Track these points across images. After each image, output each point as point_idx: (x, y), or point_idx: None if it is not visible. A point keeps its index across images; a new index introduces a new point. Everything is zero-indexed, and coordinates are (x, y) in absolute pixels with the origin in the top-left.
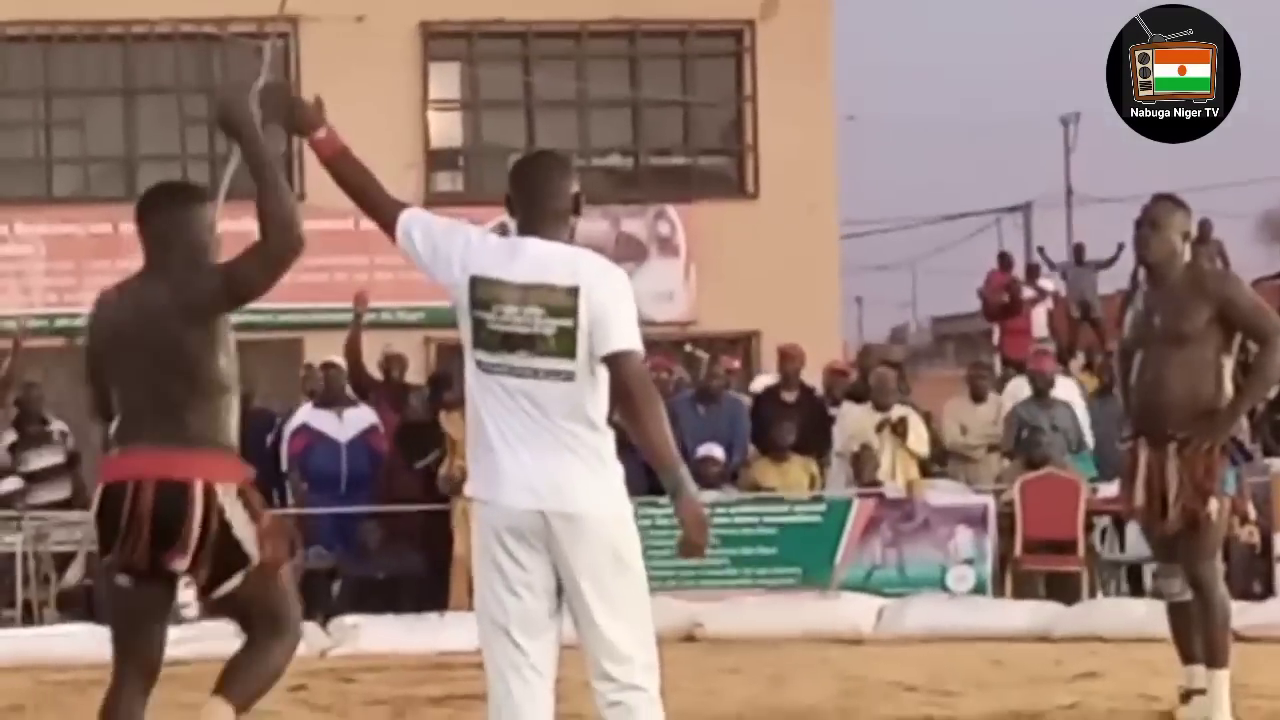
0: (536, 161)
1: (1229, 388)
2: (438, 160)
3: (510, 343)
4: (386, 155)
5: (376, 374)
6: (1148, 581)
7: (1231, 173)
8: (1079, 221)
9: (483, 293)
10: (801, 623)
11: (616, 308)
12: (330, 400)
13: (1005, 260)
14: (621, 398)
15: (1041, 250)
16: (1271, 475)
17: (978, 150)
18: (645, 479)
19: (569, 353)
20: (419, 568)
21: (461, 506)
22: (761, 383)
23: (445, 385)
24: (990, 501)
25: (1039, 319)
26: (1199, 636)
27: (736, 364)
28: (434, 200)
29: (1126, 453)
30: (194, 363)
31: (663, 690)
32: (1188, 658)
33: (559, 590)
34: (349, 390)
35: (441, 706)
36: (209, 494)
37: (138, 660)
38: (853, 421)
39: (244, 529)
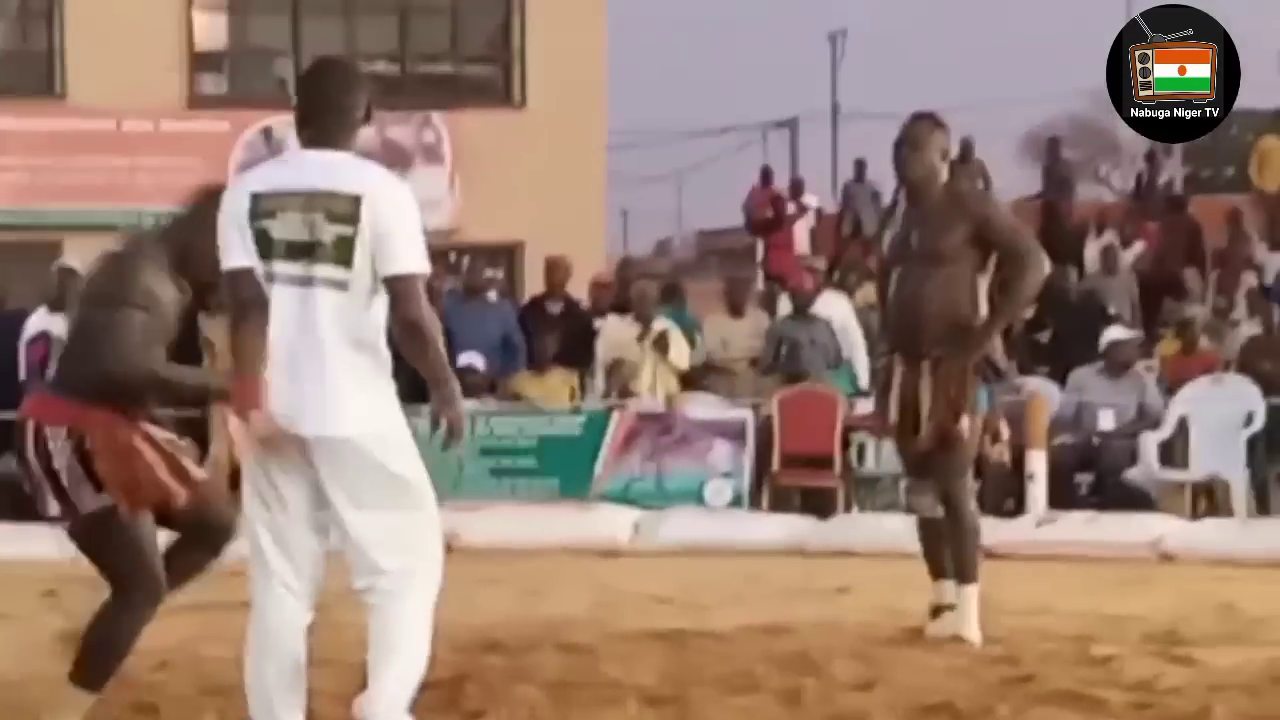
0: (329, 70)
1: (984, 307)
2: (201, 62)
3: (292, 250)
4: (150, 56)
5: None
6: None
7: (996, 92)
8: (844, 138)
9: (265, 204)
10: (558, 534)
11: (400, 224)
12: (64, 304)
13: (767, 175)
14: (400, 322)
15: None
16: (1026, 394)
17: (745, 64)
18: (407, 387)
19: (346, 261)
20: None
21: (219, 414)
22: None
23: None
24: (749, 416)
25: (802, 235)
26: (949, 552)
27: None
28: (197, 102)
29: (881, 369)
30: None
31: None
32: (937, 573)
33: (320, 506)
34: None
35: (199, 612)
36: (37, 434)
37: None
38: (614, 334)
39: (70, 473)
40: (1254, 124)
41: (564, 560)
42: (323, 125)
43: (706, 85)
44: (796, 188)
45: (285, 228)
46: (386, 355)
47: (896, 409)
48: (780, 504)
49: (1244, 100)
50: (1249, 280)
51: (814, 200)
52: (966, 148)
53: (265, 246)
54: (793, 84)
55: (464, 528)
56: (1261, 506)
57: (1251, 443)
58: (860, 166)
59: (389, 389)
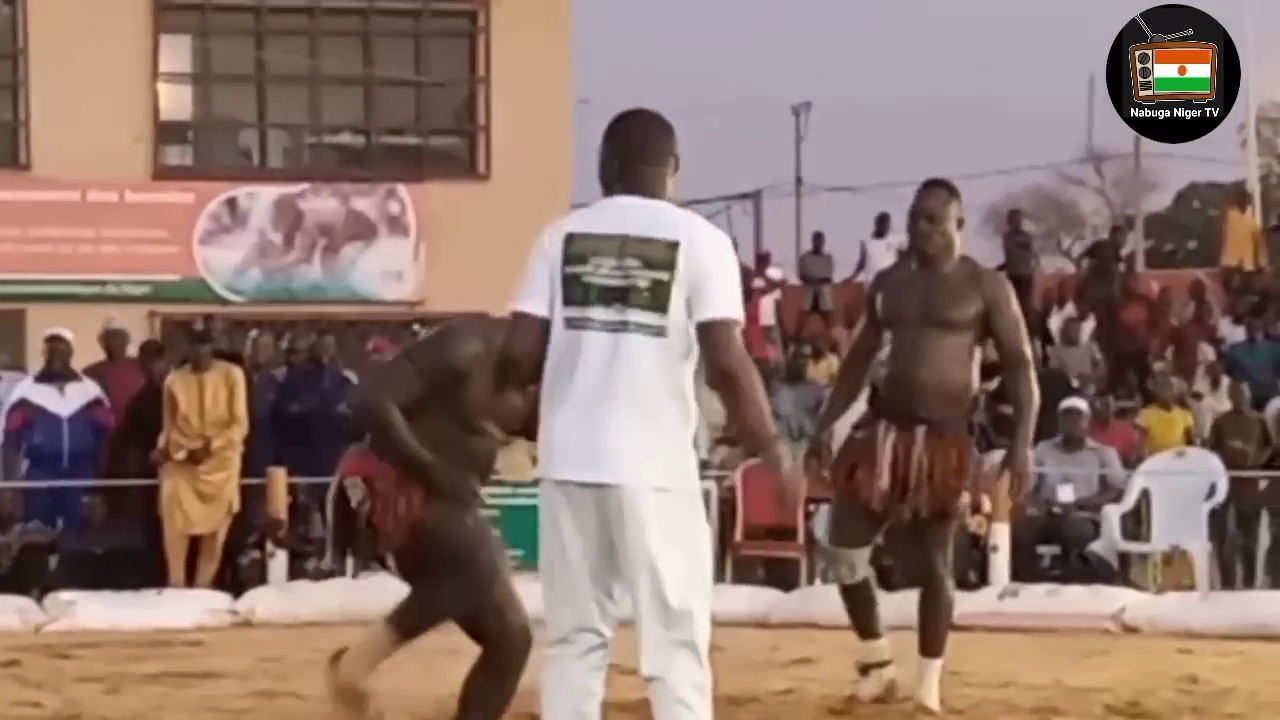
0: (642, 119)
1: (976, 378)
2: (167, 133)
3: (604, 296)
4: (115, 126)
5: (99, 351)
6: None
7: (958, 165)
8: (807, 210)
9: (579, 246)
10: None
11: (717, 271)
12: (52, 375)
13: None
14: (715, 369)
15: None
16: (989, 467)
17: (710, 137)
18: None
19: (662, 307)
20: (140, 543)
21: (170, 482)
22: None
23: (157, 354)
24: (713, 487)
25: (767, 308)
26: (920, 623)
27: None
28: (162, 174)
29: (866, 436)
30: None
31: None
32: (865, 634)
33: (613, 565)
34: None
35: (157, 683)
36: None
37: None
38: None
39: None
40: (1214, 198)
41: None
42: (638, 173)
43: None
44: (762, 261)
45: (599, 272)
46: (694, 407)
47: (889, 476)
48: (743, 575)
49: (1206, 174)
50: (1209, 353)
51: (779, 273)
52: None
53: (577, 291)
54: (757, 157)
55: None
56: (1226, 580)
57: (1214, 515)
58: (818, 239)
59: (690, 443)
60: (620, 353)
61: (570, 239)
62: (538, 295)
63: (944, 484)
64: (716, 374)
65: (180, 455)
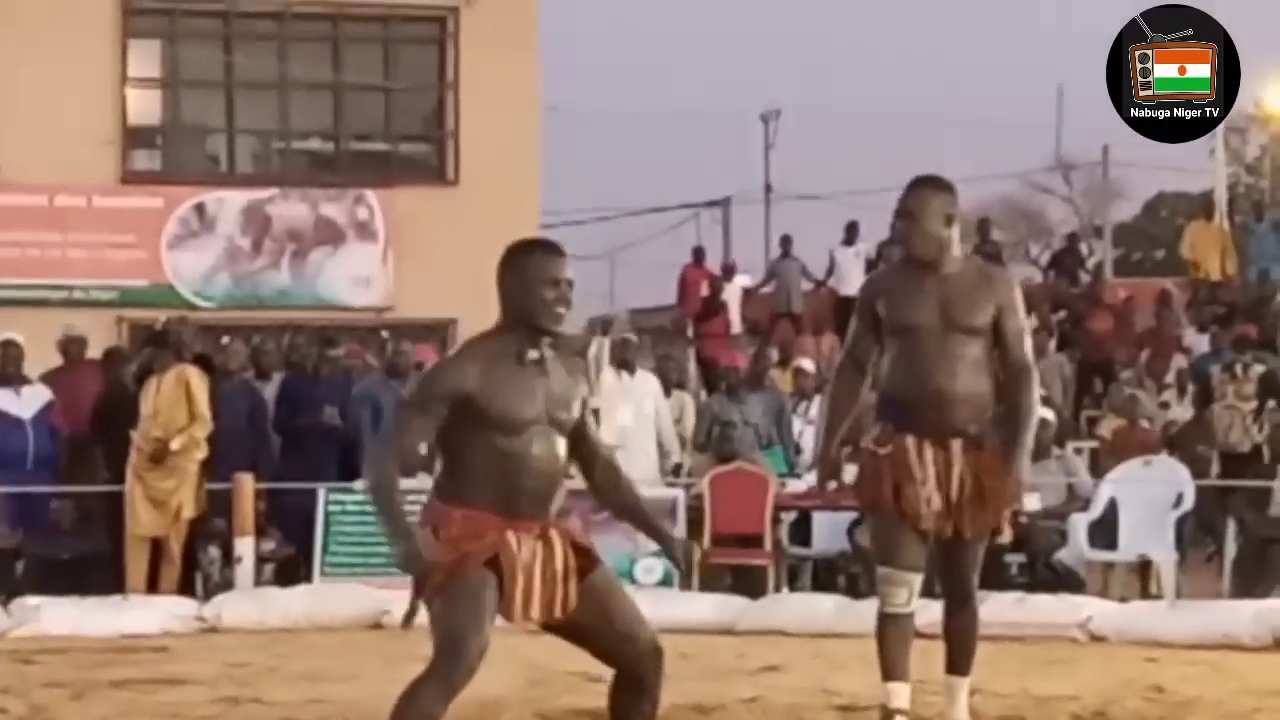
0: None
1: (993, 391)
2: (135, 138)
3: None
4: (83, 131)
5: (56, 356)
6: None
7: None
8: (776, 217)
9: None
10: None
11: None
12: (6, 379)
13: (699, 255)
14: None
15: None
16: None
17: (679, 145)
18: (336, 466)
19: None
20: (105, 548)
21: (136, 486)
22: None
23: (122, 360)
24: (680, 494)
25: (734, 314)
26: (955, 645)
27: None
28: (130, 178)
29: (894, 452)
30: None
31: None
32: (893, 674)
33: None
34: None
35: (122, 689)
36: None
37: None
38: None
39: None
40: (1184, 207)
41: (495, 638)
42: None
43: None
44: (729, 270)
45: None
46: None
47: (939, 495)
48: (711, 583)
49: (1174, 183)
50: (1178, 362)
51: (746, 279)
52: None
53: None
54: (726, 164)
55: (395, 605)
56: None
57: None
58: (786, 242)
59: None
60: None
61: None
62: None
63: (995, 501)
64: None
65: (138, 457)
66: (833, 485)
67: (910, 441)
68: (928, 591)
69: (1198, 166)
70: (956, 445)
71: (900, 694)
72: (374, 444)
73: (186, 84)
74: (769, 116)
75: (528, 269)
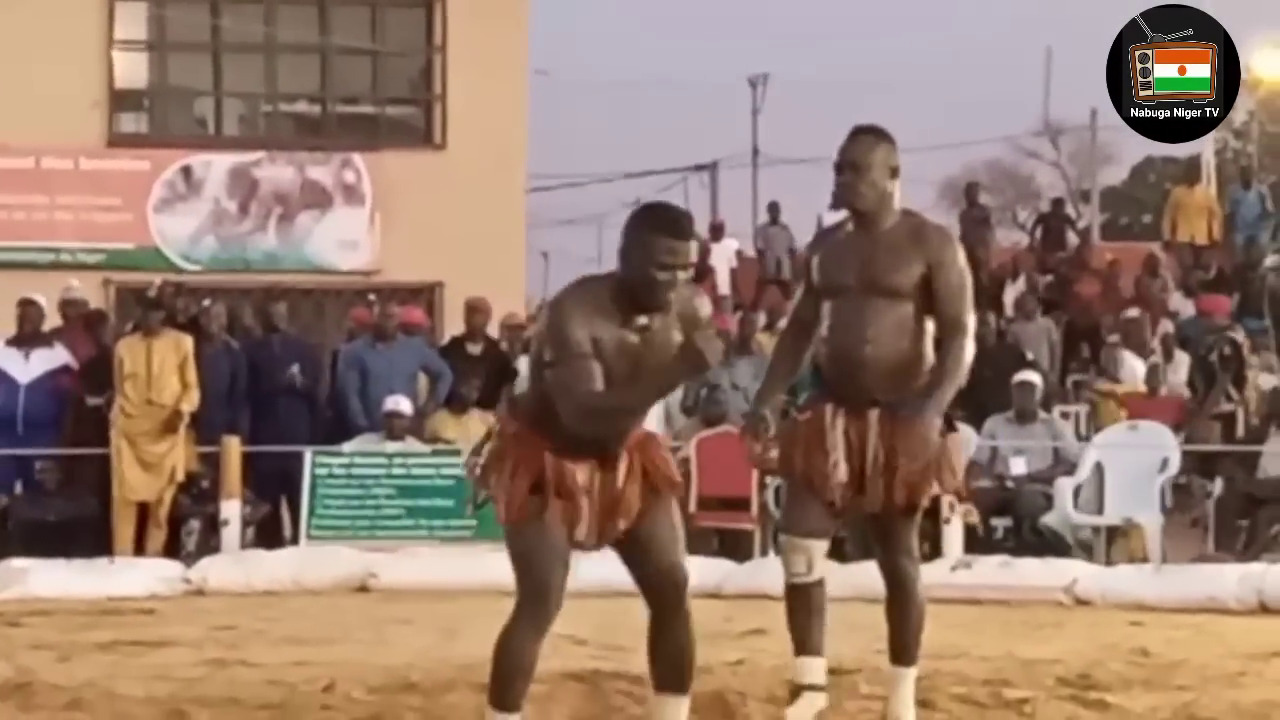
0: None
1: (929, 353)
2: (122, 101)
3: None
4: (70, 94)
5: (56, 318)
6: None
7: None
8: (764, 182)
9: None
10: (476, 575)
11: None
12: (21, 339)
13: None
14: None
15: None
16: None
17: (667, 109)
18: (324, 429)
19: None
20: (94, 511)
21: (121, 447)
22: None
23: (102, 321)
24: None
25: (723, 277)
26: (891, 629)
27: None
28: (117, 141)
29: (812, 419)
30: None
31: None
32: (804, 647)
33: None
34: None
35: (109, 652)
36: None
37: None
38: None
39: None
40: (1171, 172)
41: (481, 601)
42: None
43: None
44: (716, 231)
45: None
46: None
47: (845, 466)
48: (697, 546)
49: (1160, 148)
50: (1165, 326)
51: (734, 243)
52: None
53: None
54: (713, 128)
55: (381, 568)
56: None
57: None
58: (774, 209)
59: None
60: None
61: None
62: None
63: (905, 476)
64: None
65: (127, 421)
66: (757, 448)
67: (828, 409)
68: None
69: None
70: (873, 415)
71: (811, 669)
72: (569, 403)
73: (173, 46)
74: (756, 81)
75: (649, 245)
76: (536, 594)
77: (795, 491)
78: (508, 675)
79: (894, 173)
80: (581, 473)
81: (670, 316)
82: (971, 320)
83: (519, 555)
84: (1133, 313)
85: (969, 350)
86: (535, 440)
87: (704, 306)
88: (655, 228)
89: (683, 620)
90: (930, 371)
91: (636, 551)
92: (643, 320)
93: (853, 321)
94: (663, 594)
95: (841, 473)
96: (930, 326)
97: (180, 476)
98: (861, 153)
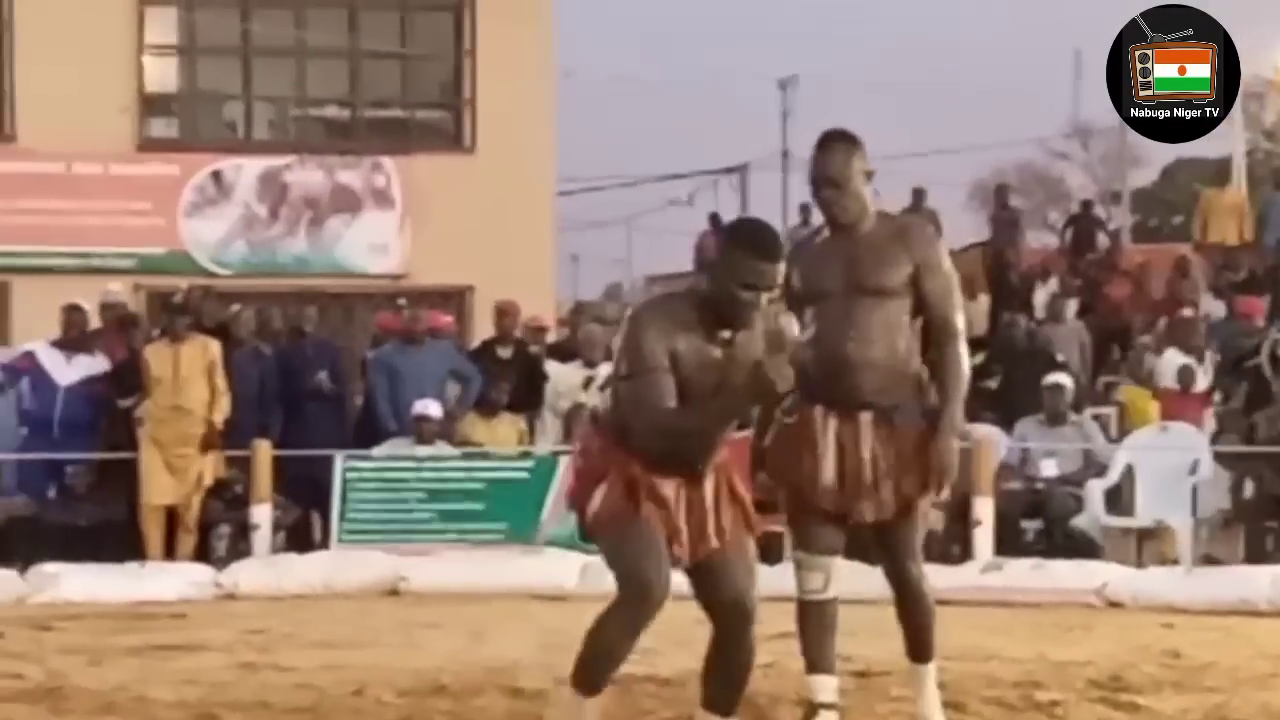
0: None
1: (917, 358)
2: (152, 105)
3: None
4: (100, 98)
5: (96, 321)
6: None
7: (945, 139)
8: (794, 184)
9: None
10: (506, 578)
11: None
12: (66, 343)
13: (716, 221)
14: None
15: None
16: (972, 441)
17: (696, 111)
18: (353, 433)
19: None
20: (124, 515)
21: (149, 452)
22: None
23: (133, 325)
24: None
25: None
26: (905, 634)
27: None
28: (147, 145)
29: (799, 424)
30: None
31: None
32: (817, 665)
33: None
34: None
35: (139, 656)
36: None
37: None
38: (562, 379)
39: None
40: (1200, 173)
41: (511, 604)
42: None
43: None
44: None
45: None
46: None
47: (835, 471)
48: None
49: (1191, 149)
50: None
51: None
52: (919, 195)
53: None
54: (744, 130)
55: (411, 572)
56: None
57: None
58: (805, 211)
59: None
60: None
61: None
62: None
63: (901, 482)
64: None
65: (157, 427)
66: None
67: (817, 412)
68: (944, 558)
69: (1216, 132)
70: (865, 418)
71: (826, 687)
72: (640, 418)
73: (203, 51)
74: (786, 83)
75: (736, 264)
76: (639, 591)
77: (799, 505)
78: (597, 661)
79: (869, 177)
80: (668, 487)
81: (755, 332)
82: (961, 322)
83: (618, 555)
84: (1187, 312)
85: (965, 356)
86: (623, 454)
87: (790, 327)
88: (744, 246)
89: (746, 649)
90: (935, 388)
91: (710, 576)
92: (726, 334)
93: (840, 322)
94: (731, 622)
95: (830, 477)
96: (918, 327)
97: (209, 481)
98: (839, 168)
